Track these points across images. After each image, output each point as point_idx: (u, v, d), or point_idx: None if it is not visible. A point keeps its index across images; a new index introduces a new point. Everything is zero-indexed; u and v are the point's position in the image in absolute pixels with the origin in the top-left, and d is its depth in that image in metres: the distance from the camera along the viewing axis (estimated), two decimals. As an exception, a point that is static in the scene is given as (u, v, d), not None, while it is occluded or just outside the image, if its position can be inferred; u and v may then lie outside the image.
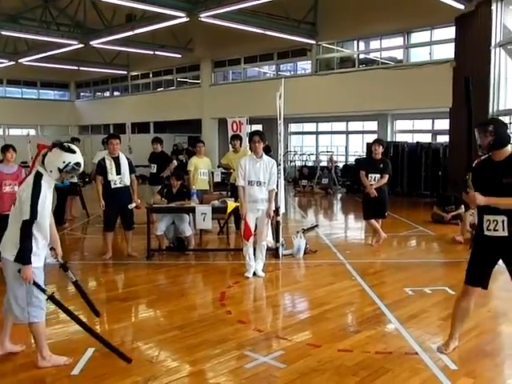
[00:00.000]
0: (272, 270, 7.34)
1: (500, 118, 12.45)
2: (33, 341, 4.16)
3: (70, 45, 18.48)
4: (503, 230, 3.93)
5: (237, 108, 18.75)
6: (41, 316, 4.01)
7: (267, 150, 23.64)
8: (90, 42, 17.82)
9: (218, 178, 11.72)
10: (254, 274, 6.88)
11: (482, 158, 4.11)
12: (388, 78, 16.28)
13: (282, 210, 8.08)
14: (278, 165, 7.74)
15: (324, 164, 20.33)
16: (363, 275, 6.90)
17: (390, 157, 14.39)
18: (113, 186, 7.57)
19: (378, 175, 8.65)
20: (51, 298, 4.03)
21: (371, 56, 18.17)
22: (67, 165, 3.80)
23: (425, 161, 15.94)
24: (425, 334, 4.77)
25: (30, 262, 3.77)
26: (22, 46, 21.03)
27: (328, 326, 5.01)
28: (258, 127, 24.04)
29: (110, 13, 16.52)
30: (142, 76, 26.06)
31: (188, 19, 14.32)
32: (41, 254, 3.96)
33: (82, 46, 18.24)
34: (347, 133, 21.89)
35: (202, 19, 14.23)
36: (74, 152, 3.85)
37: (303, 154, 22.79)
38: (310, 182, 18.79)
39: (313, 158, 21.98)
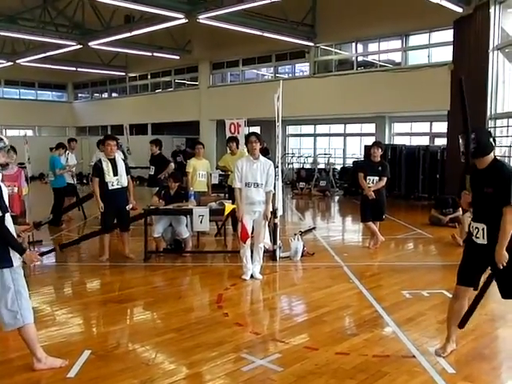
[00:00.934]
0: (269, 273, 7.32)
1: (498, 120, 12.51)
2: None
3: (69, 46, 18.44)
4: (483, 237, 4.00)
5: (235, 110, 18.75)
6: (31, 317, 3.97)
7: (265, 152, 23.63)
8: (89, 43, 17.79)
9: (215, 180, 11.70)
10: (252, 276, 6.87)
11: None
12: (386, 80, 16.31)
13: (279, 212, 8.07)
14: (276, 167, 7.74)
15: (322, 166, 20.32)
16: (361, 278, 6.89)
17: (388, 159, 14.38)
18: (110, 188, 7.55)
19: (376, 178, 8.64)
20: (62, 246, 4.08)
21: (369, 58, 18.19)
22: None
23: (423, 163, 15.94)
24: (422, 337, 4.76)
25: (25, 249, 3.76)
26: (20, 46, 20.98)
27: (325, 329, 4.99)
28: (256, 129, 24.03)
29: (108, 14, 16.48)
30: (140, 77, 26.04)
31: (186, 20, 14.30)
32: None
33: (81, 46, 18.21)
34: (345, 135, 21.89)
35: (201, 21, 14.22)
36: None
37: (301, 156, 22.78)
38: (307, 185, 18.78)
39: (310, 160, 21.95)
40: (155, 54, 20.59)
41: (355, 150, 21.17)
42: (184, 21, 14.31)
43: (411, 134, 19.71)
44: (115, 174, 7.56)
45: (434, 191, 15.28)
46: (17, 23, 17.32)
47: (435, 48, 15.83)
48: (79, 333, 4.99)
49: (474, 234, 4.05)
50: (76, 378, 3.94)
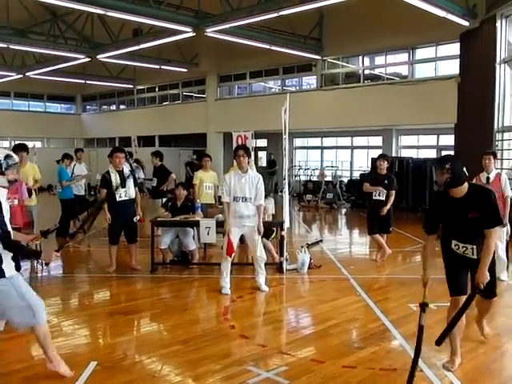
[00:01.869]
0: (276, 285, 7.31)
1: (506, 133, 12.49)
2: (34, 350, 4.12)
3: (77, 59, 18.63)
4: (473, 254, 4.22)
5: (242, 122, 18.84)
6: (43, 317, 3.98)
7: (272, 165, 23.67)
8: (97, 56, 17.95)
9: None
10: (258, 288, 6.86)
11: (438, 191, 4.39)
12: (393, 93, 16.34)
13: (286, 225, 8.08)
14: (283, 179, 7.73)
15: (329, 179, 20.31)
16: (367, 291, 6.86)
17: (395, 172, 14.37)
18: (118, 199, 7.58)
19: (384, 190, 8.63)
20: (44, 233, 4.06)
21: (376, 71, 18.24)
22: (0, 164, 3.75)
23: (430, 176, 15.88)
24: (430, 350, 4.71)
25: (38, 251, 3.83)
26: (29, 59, 21.21)
27: (332, 342, 4.97)
28: (264, 142, 24.24)
29: (117, 27, 16.65)
30: (148, 90, 26.23)
31: (194, 34, 14.41)
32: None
33: (89, 60, 18.39)
34: (352, 148, 21.90)
35: (208, 34, 14.32)
36: None
37: (308, 169, 22.80)
38: (314, 197, 18.77)
39: (317, 172, 21.96)
40: (163, 67, 20.76)
41: (362, 163, 21.18)
42: (191, 34, 14.42)
43: (418, 146, 19.70)
44: (123, 185, 7.60)
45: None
46: (27, 37, 17.52)
47: (442, 61, 15.86)
48: (85, 344, 5.00)
49: (462, 252, 4.27)
50: (83, 390, 3.95)
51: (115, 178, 7.53)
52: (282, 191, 22.99)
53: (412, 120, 16.28)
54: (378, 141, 20.51)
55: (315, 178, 21.03)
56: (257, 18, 13.37)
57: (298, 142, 23.95)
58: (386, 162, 8.63)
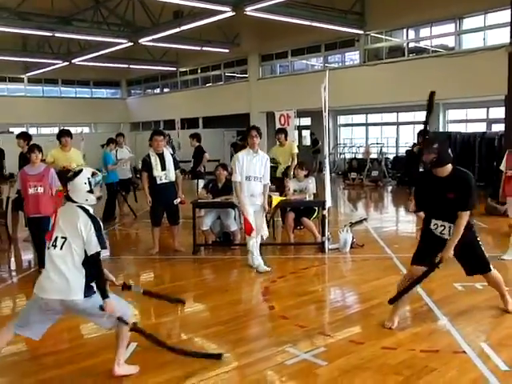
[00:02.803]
0: (318, 265, 7.28)
1: None
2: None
3: (120, 44, 18.84)
4: (449, 234, 4.51)
5: (285, 101, 18.62)
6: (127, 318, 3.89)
7: (315, 144, 23.42)
8: (139, 40, 18.13)
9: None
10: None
11: (423, 170, 4.75)
12: (439, 66, 15.79)
13: (328, 204, 7.98)
14: (324, 158, 7.64)
15: (374, 156, 19.96)
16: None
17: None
18: (158, 182, 7.66)
19: None
20: (134, 328, 4.00)
21: (421, 44, 17.67)
22: (89, 182, 3.76)
23: (479, 151, 15.38)
24: (474, 331, 4.60)
25: (108, 295, 3.68)
26: (75, 46, 21.61)
27: (372, 323, 4.89)
28: (307, 120, 23.99)
29: (157, 11, 16.73)
30: (191, 72, 26.33)
31: (234, 13, 14.32)
32: None
33: (132, 44, 18.56)
34: (398, 124, 21.41)
35: (248, 13, 14.20)
36: (80, 171, 3.82)
37: (353, 147, 22.48)
38: (359, 175, 18.50)
39: (362, 150, 21.62)
40: (204, 48, 20.76)
41: (408, 139, 20.69)
42: (231, 14, 14.33)
43: (467, 120, 19.06)
44: (163, 168, 7.66)
45: (491, 180, 14.70)
46: (71, 24, 17.83)
47: (491, 30, 15.20)
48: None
49: (439, 231, 4.54)
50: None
51: (155, 161, 7.60)
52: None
53: (460, 93, 15.71)
54: (424, 116, 19.89)
55: (360, 156, 20.73)
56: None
57: (342, 119, 23.59)
58: (427, 138, 8.36)
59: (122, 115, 30.16)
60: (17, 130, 25.67)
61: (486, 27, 15.32)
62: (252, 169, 6.85)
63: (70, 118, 27.58)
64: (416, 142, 9.18)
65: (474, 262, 4.75)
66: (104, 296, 3.64)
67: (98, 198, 3.88)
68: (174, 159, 7.96)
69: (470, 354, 4.12)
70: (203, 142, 11.50)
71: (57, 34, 17.52)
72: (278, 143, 9.93)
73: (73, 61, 22.24)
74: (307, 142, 24.06)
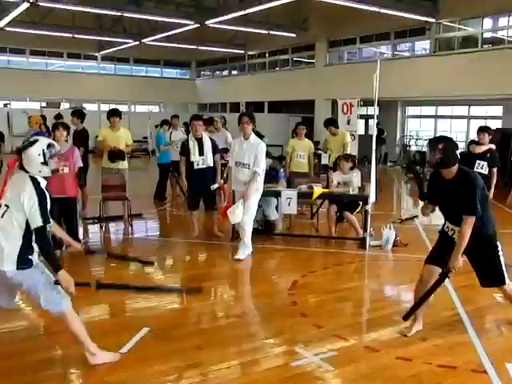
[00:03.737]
0: (354, 262, 7.04)
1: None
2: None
3: (187, 25, 18.94)
4: None
5: (350, 89, 18.11)
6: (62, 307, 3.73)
7: (380, 133, 22.68)
8: (205, 22, 18.15)
9: (325, 161, 11.44)
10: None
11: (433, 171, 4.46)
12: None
13: (371, 199, 7.68)
14: (374, 149, 7.47)
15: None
16: (456, 273, 6.31)
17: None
18: (195, 167, 7.62)
19: (484, 163, 7.87)
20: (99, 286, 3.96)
21: (498, 34, 16.64)
22: (44, 154, 3.65)
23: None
24: (502, 350, 4.26)
25: (60, 267, 3.60)
26: (145, 26, 21.97)
27: (394, 329, 4.64)
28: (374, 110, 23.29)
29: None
30: (259, 56, 26.20)
31: (298, -3, 14.03)
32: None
33: (198, 26, 18.63)
34: (469, 118, 20.39)
35: (313, -3, 13.86)
36: (36, 141, 3.71)
37: (419, 139, 21.68)
38: (421, 168, 17.79)
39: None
40: (272, 33, 20.52)
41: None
42: (296, -3, 14.04)
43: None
44: (201, 153, 7.61)
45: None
46: (141, 5, 18.07)
47: None
48: (145, 308, 5.08)
49: (451, 235, 4.35)
50: (127, 354, 4.01)
51: (193, 146, 7.57)
52: (391, 161, 22.28)
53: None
54: (497, 110, 18.87)
55: (425, 149, 19.94)
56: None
57: (410, 110, 22.77)
58: (487, 135, 7.85)
59: (190, 96, 30.50)
60: (89, 107, 26.70)
61: None
62: (241, 155, 6.85)
63: (139, 97, 28.27)
64: (475, 139, 8.61)
65: (488, 273, 4.46)
66: (56, 269, 3.57)
67: (54, 171, 3.76)
68: (214, 144, 7.89)
69: (491, 374, 3.81)
70: (267, 127, 11.27)
71: (125, 14, 17.82)
72: (328, 133, 9.72)
73: (143, 40, 22.64)
74: (373, 132, 23.42)
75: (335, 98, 18.04)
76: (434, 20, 16.84)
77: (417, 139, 21.89)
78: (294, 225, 9.09)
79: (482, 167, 7.77)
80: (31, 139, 3.77)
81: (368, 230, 7.63)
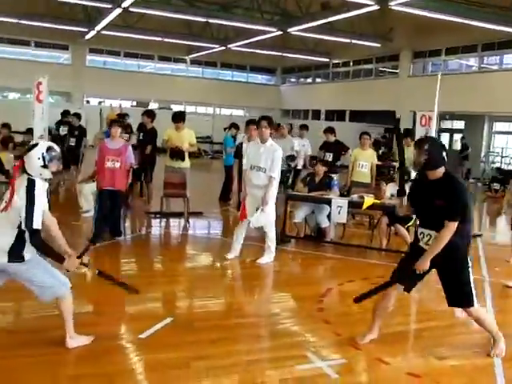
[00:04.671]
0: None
1: None
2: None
3: (270, 32, 19.25)
4: None
5: (433, 101, 17.66)
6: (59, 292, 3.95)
7: (464, 149, 21.77)
8: (288, 30, 18.36)
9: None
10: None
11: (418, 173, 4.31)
12: None
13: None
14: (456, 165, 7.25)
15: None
16: (496, 297, 6.08)
17: None
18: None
19: None
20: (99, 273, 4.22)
21: None
22: (43, 157, 3.79)
23: None
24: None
25: (61, 256, 3.83)
26: (230, 32, 22.55)
27: (415, 345, 4.58)
28: (460, 124, 22.50)
29: (306, 1, 16.81)
30: (343, 64, 26.08)
31: (378, 7, 13.88)
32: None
33: (281, 33, 18.87)
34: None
35: (392, 7, 13.67)
36: (36, 145, 3.87)
37: (506, 156, 20.67)
38: (502, 187, 16.94)
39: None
40: (354, 41, 20.39)
41: None
42: (375, 7, 13.91)
43: None
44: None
45: None
46: (229, 12, 18.60)
47: None
48: (173, 300, 5.32)
49: (425, 242, 4.14)
50: (144, 340, 4.24)
51: (246, 150, 7.74)
52: (474, 178, 21.35)
53: None
54: None
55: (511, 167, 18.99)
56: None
57: (498, 126, 21.74)
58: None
59: (274, 101, 30.80)
60: (176, 107, 27.73)
61: None
62: (257, 159, 6.78)
63: (224, 100, 28.94)
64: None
65: (455, 291, 4.23)
66: (59, 261, 3.76)
67: (56, 173, 3.92)
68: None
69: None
70: (348, 136, 11.18)
71: (210, 20, 18.40)
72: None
73: (228, 46, 23.23)
74: (457, 146, 22.59)
75: (414, 110, 17.70)
76: (524, 32, 16.04)
77: (502, 157, 20.88)
78: (350, 234, 9.04)
79: None
80: (32, 143, 3.99)
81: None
